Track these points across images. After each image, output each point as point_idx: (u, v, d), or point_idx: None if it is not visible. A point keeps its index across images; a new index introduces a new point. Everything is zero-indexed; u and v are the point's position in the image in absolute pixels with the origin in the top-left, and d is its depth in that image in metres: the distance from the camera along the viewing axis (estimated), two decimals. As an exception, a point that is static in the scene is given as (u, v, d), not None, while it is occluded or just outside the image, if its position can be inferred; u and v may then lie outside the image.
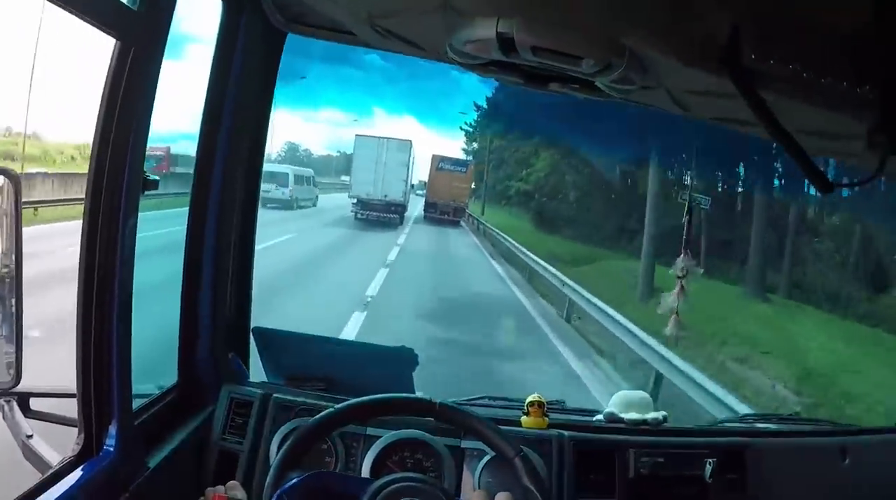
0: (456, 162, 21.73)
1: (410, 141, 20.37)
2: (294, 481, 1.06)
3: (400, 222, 19.93)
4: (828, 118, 1.18)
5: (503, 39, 0.95)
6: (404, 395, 1.25)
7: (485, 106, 21.69)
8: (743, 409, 4.75)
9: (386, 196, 19.74)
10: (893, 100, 1.05)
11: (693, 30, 0.97)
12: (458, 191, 21.28)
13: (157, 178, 1.11)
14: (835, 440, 1.75)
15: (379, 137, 20.15)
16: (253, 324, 1.69)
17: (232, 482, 1.32)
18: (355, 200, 19.88)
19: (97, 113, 1.04)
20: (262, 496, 1.05)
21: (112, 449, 1.08)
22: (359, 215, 19.67)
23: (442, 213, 21.14)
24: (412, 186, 22.84)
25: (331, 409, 1.17)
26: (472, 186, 23.59)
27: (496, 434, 1.19)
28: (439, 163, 21.38)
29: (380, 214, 19.55)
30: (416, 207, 23.83)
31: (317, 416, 1.17)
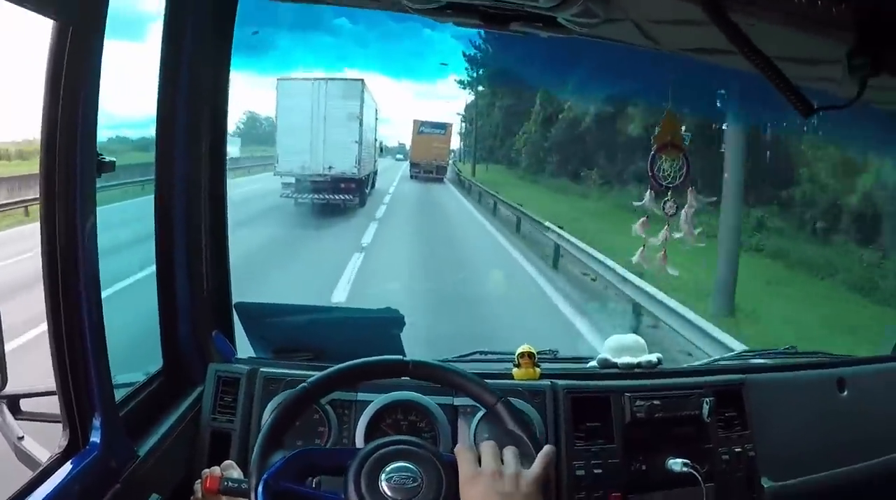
0: (435, 125, 22.19)
1: (361, 81, 14.30)
2: (278, 463, 1.03)
3: (360, 204, 14.59)
4: (805, 42, 1.14)
5: None
6: (374, 358, 1.20)
7: (471, 53, 20.63)
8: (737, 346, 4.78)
9: (330, 168, 13.73)
10: (872, 20, 1.01)
11: None
12: (439, 151, 22.35)
13: (114, 159, 1.07)
14: (832, 371, 1.75)
15: (313, 79, 13.89)
16: (236, 299, 1.66)
17: (227, 461, 1.31)
18: (288, 180, 13.86)
19: (42, 98, 1.00)
20: (250, 486, 1.02)
21: (98, 441, 1.07)
22: (299, 201, 13.92)
23: (426, 172, 21.99)
24: (382, 148, 19.64)
25: (304, 384, 1.14)
26: (452, 146, 24.47)
27: (473, 384, 1.17)
28: (420, 127, 22.04)
29: (327, 196, 13.88)
30: (393, 176, 22.64)
31: (291, 392, 1.14)
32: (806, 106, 1.04)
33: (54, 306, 1.02)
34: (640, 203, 1.55)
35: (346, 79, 14.53)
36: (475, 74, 22.10)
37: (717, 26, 0.97)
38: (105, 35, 1.04)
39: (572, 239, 9.31)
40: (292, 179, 13.80)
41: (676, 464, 1.46)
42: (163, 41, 1.41)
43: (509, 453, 1.01)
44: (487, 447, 1.01)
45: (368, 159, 15.65)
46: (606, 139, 15.77)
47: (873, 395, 1.73)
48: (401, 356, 1.20)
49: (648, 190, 1.53)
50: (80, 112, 0.99)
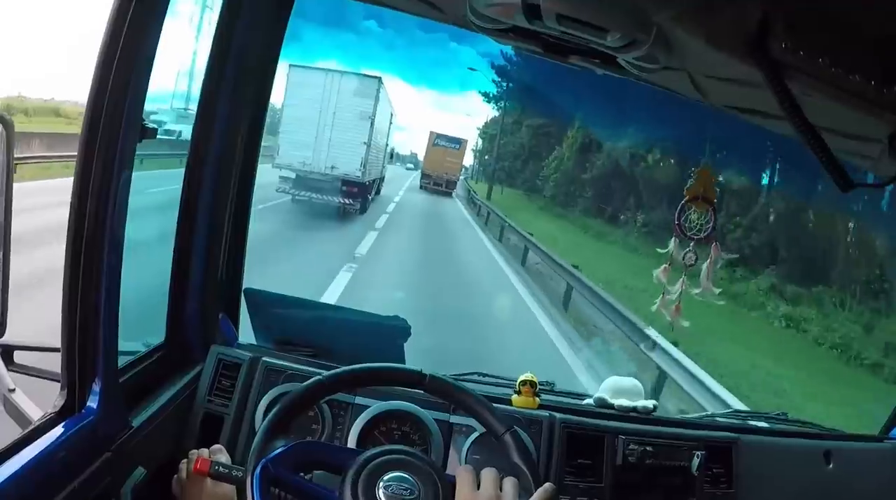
0: (451, 139, 22.70)
1: (378, 79, 13.30)
2: (280, 449, 1.03)
3: (361, 211, 13.76)
4: (850, 118, 1.15)
5: (528, 5, 0.91)
6: (395, 365, 1.22)
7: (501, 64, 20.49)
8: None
9: (333, 168, 12.87)
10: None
11: (724, 13, 0.94)
12: (452, 165, 22.87)
13: (156, 127, 1.07)
14: (820, 443, 1.76)
15: (327, 70, 12.95)
16: (245, 286, 1.66)
17: (216, 445, 1.30)
18: (287, 174, 13.09)
19: (97, 56, 1.00)
20: (247, 463, 1.01)
21: (95, 406, 1.05)
22: (296, 197, 13.14)
23: (436, 184, 22.52)
24: (393, 155, 18.99)
25: (320, 376, 1.14)
26: (465, 162, 25.37)
27: (486, 409, 1.17)
28: (436, 139, 22.47)
29: (325, 198, 13.12)
30: (400, 185, 22.35)
31: (306, 382, 1.14)
32: (846, 181, 1.05)
33: (74, 263, 1.00)
34: (664, 250, 1.56)
35: (362, 74, 13.44)
36: (504, 87, 21.92)
37: (773, 92, 0.98)
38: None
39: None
40: (292, 174, 13.05)
41: None
42: (219, 19, 1.42)
43: (509, 483, 1.01)
44: (489, 474, 1.01)
45: (376, 164, 14.93)
46: (656, 181, 14.88)
47: (859, 471, 1.73)
48: (419, 369, 1.20)
49: (673, 238, 1.55)
50: (132, 75, 0.99)
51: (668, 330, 5.81)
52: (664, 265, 1.55)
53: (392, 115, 16.63)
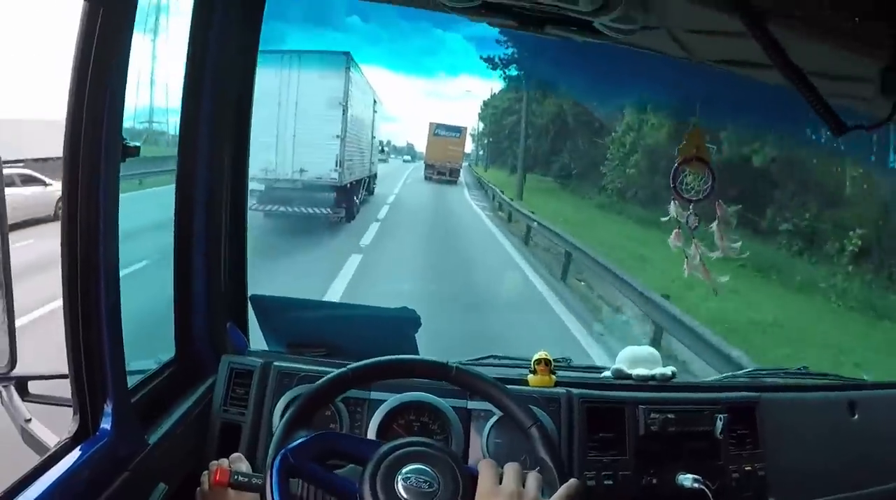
0: (450, 128, 22.50)
1: (346, 55, 10.80)
2: (301, 440, 1.03)
3: (347, 218, 11.27)
4: (840, 58, 1.13)
5: None
6: (421, 358, 1.22)
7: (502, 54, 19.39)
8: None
9: (302, 172, 10.53)
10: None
11: None
12: (454, 154, 22.65)
13: (139, 145, 1.06)
14: (843, 394, 1.73)
15: (283, 52, 10.31)
16: (251, 292, 1.66)
17: (235, 454, 1.31)
18: (254, 188, 9.52)
19: (69, 81, 0.99)
20: (268, 454, 1.02)
21: (109, 428, 1.06)
22: (268, 212, 10.47)
23: (440, 173, 22.26)
24: (384, 148, 17.38)
25: (344, 369, 1.14)
26: (466, 149, 25.03)
27: (513, 402, 1.16)
28: (435, 129, 22.35)
29: (296, 209, 10.57)
30: (396, 181, 21.40)
31: (330, 375, 1.14)
32: (839, 125, 1.03)
33: (71, 289, 1.01)
34: (666, 218, 1.54)
35: (325, 52, 10.99)
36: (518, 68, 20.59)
37: (755, 38, 0.96)
38: (135, 19, 1.04)
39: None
40: (260, 186, 10.31)
41: (687, 479, 1.45)
42: (191, 29, 1.41)
43: (532, 478, 1.00)
44: (512, 468, 1.00)
45: (359, 161, 12.56)
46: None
47: (885, 420, 1.71)
48: (445, 361, 1.19)
49: (672, 201, 1.52)
50: (107, 95, 0.99)
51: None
52: (675, 230, 1.53)
53: (376, 102, 14.35)
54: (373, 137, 14.65)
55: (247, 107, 1.57)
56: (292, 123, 10.52)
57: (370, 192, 15.63)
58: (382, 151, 17.95)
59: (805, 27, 1.01)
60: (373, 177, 15.95)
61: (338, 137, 10.71)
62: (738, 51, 1.15)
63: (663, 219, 1.55)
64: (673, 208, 1.52)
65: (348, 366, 1.15)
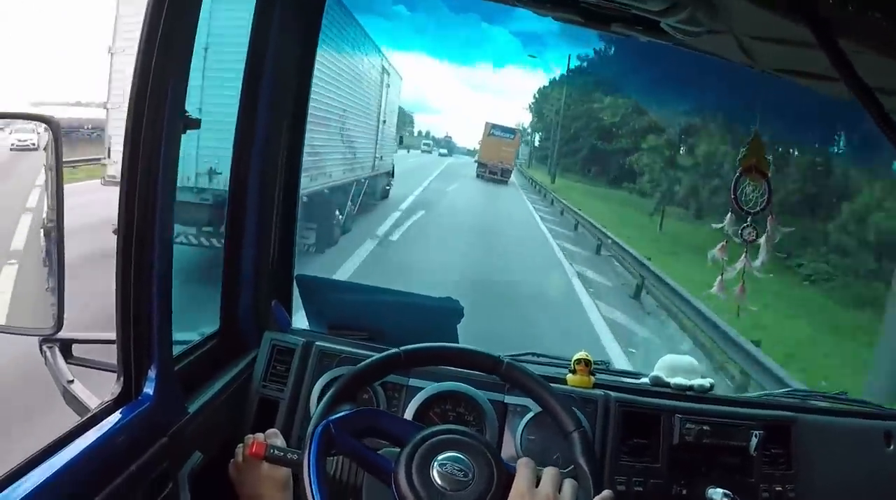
0: (505, 129, 22.97)
1: None
2: (345, 412, 1.04)
3: (320, 247, 7.81)
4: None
5: None
6: (473, 348, 1.21)
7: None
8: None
9: (211, 176, 5.58)
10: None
11: None
12: (506, 154, 22.89)
13: (200, 118, 1.08)
14: (881, 423, 1.69)
15: None
16: (297, 272, 1.68)
17: (271, 429, 1.32)
18: None
19: (136, 52, 1.02)
20: (310, 424, 1.03)
21: (151, 393, 1.07)
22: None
23: (491, 173, 22.42)
24: (428, 141, 16.25)
25: (396, 350, 1.15)
26: (519, 151, 24.97)
27: (558, 403, 1.15)
28: (491, 129, 22.72)
29: (200, 240, 5.58)
30: (426, 176, 20.31)
31: (382, 354, 1.15)
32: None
33: (125, 254, 1.02)
34: (718, 225, 1.52)
35: None
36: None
37: (824, 50, 0.94)
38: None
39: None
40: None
41: (717, 494, 1.43)
42: (255, 11, 1.44)
43: (569, 485, 1.00)
44: (551, 473, 1.00)
45: (343, 157, 8.89)
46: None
47: None
48: (497, 355, 1.19)
49: (729, 213, 1.50)
50: (172, 68, 1.01)
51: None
52: (721, 243, 1.50)
53: (388, 74, 11.15)
54: (381, 122, 10.85)
55: (306, 89, 1.59)
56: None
57: (384, 196, 12.72)
58: (401, 142, 16.54)
59: (873, 41, 0.99)
60: (389, 174, 12.83)
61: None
62: (804, 61, 1.13)
63: (715, 226, 1.52)
64: (728, 220, 1.49)
65: (401, 347, 1.16)
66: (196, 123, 1.08)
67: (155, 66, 0.99)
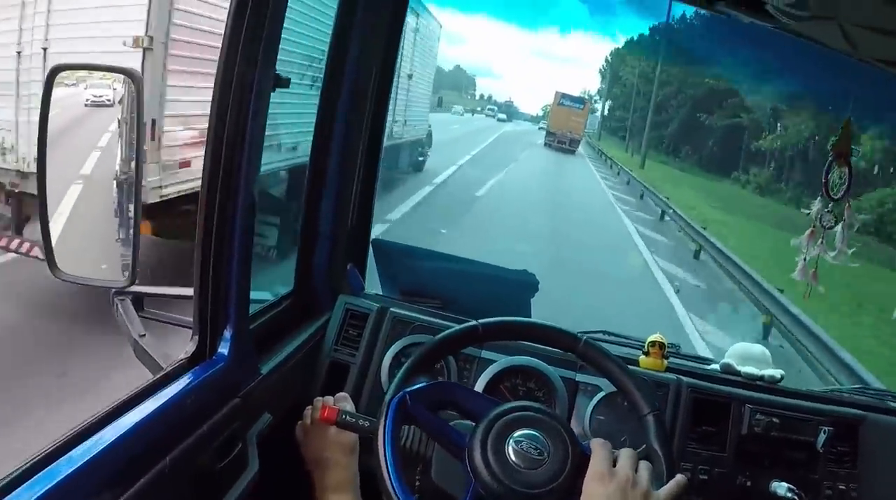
0: (574, 99, 23.52)
1: None
2: (422, 384, 1.04)
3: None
4: None
5: None
6: (551, 324, 1.18)
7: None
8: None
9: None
10: None
11: None
12: (575, 124, 23.38)
13: (290, 78, 1.08)
14: None
15: None
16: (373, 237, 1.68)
17: (341, 393, 1.33)
18: None
19: (229, 10, 1.01)
20: (387, 394, 1.03)
21: (226, 353, 1.08)
22: None
23: (560, 142, 22.95)
24: (491, 106, 15.85)
25: (475, 322, 1.14)
26: (587, 121, 25.69)
27: (635, 385, 1.12)
28: (561, 99, 23.24)
29: None
30: (479, 141, 19.44)
31: (461, 326, 1.14)
32: None
33: (208, 213, 1.02)
34: (808, 211, 1.47)
35: None
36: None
37: None
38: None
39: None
40: None
41: (781, 488, 1.40)
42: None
43: (645, 468, 0.98)
44: (628, 454, 0.99)
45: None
46: None
47: None
48: (576, 333, 1.17)
49: (820, 196, 1.46)
50: (265, 25, 1.00)
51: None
52: (810, 228, 1.46)
53: (413, 8, 8.33)
54: (406, 77, 8.88)
55: (393, 53, 1.57)
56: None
57: (416, 168, 11.17)
58: (440, 103, 16.00)
59: None
60: (423, 144, 11.11)
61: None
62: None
63: (804, 211, 1.48)
64: (818, 204, 1.45)
65: (479, 320, 1.15)
66: (286, 82, 1.08)
67: (247, 24, 0.99)
